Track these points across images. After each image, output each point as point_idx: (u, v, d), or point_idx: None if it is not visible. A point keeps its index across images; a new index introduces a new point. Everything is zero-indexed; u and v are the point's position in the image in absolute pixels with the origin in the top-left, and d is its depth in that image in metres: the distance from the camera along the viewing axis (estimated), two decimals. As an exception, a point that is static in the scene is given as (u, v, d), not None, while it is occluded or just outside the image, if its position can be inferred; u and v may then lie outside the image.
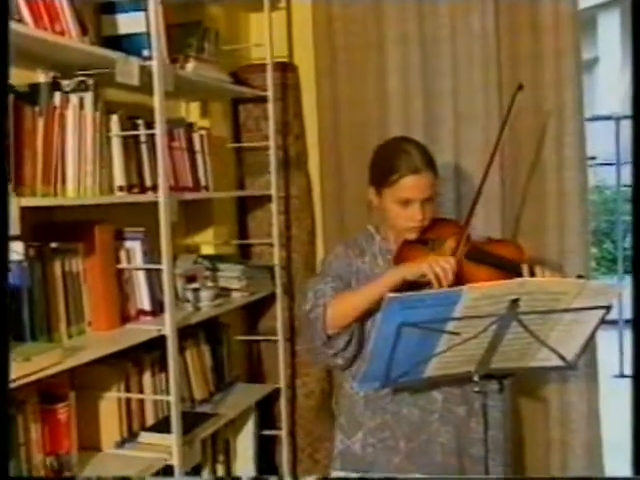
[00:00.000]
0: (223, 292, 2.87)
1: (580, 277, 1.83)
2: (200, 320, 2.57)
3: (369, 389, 1.92)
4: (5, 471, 1.48)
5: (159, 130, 2.23)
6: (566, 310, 1.70)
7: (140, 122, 2.38)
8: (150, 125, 2.32)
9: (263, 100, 3.06)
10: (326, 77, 3.15)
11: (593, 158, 5.85)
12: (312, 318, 2.01)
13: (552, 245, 2.87)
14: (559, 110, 2.85)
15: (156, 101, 2.21)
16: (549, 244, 2.88)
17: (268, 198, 3.09)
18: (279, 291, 3.08)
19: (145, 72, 2.19)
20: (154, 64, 2.20)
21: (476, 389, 1.81)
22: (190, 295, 2.66)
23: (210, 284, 2.80)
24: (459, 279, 1.92)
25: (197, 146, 2.77)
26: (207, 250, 3.16)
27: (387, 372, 1.70)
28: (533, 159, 2.90)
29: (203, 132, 2.82)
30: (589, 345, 1.82)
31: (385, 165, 2.04)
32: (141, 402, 2.37)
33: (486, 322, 1.66)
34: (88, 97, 2.08)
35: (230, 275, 2.94)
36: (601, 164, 7.42)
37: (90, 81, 2.09)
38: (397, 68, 3.00)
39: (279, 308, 3.08)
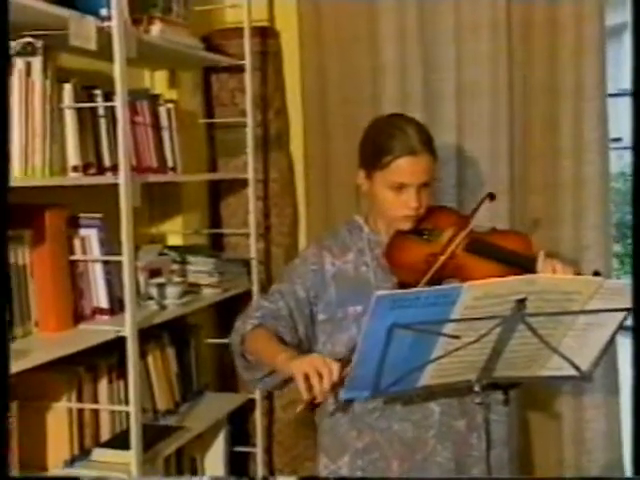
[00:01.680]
0: (192, 288, 2.88)
1: (596, 274, 1.84)
2: (165, 320, 2.57)
3: (357, 399, 1.93)
4: (5, 471, 1.55)
5: (120, 102, 2.23)
6: (580, 312, 1.70)
7: (97, 93, 2.37)
8: (109, 96, 2.32)
9: (239, 70, 3.06)
10: (311, 45, 3.16)
11: (618, 140, 5.85)
12: (232, 341, 2.07)
13: (567, 240, 2.91)
14: (578, 84, 2.87)
15: (116, 69, 2.20)
16: (564, 239, 2.91)
17: (244, 182, 3.09)
18: (256, 288, 3.09)
19: (103, 35, 2.18)
20: (113, 25, 2.20)
21: (477, 400, 1.82)
22: (154, 291, 2.67)
23: (177, 279, 2.81)
24: (459, 275, 1.94)
25: (163, 121, 2.77)
26: (174, 240, 3.16)
27: (377, 380, 1.70)
28: (546, 141, 2.92)
29: (170, 105, 2.82)
30: (607, 353, 1.83)
31: (377, 145, 2.05)
32: (95, 414, 2.37)
33: (489, 324, 1.66)
34: (36, 62, 2.08)
35: (200, 269, 2.94)
36: (628, 147, 7.41)
37: (39, 44, 2.09)
38: (392, 35, 3.01)
39: (255, 307, 3.08)
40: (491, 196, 2.06)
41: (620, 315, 1.74)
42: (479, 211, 2.04)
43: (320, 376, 1.74)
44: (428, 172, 2.03)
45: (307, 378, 1.74)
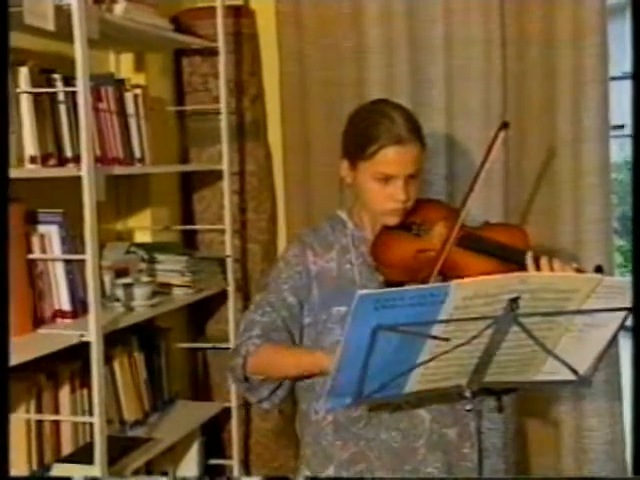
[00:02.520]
0: (162, 289, 2.88)
1: (599, 269, 1.86)
2: (133, 323, 2.57)
3: (338, 407, 1.93)
4: (5, 471, 1.60)
5: (81, 87, 2.22)
6: (578, 312, 1.71)
7: (57, 77, 2.36)
8: (69, 81, 2.31)
9: (212, 53, 3.06)
10: (290, 25, 3.16)
11: (620, 127, 5.87)
12: (231, 365, 2.07)
13: (566, 234, 2.92)
14: (577, 66, 2.88)
15: (77, 51, 2.20)
16: (562, 233, 2.92)
17: (218, 174, 3.09)
18: (232, 288, 3.09)
19: (62, 13, 2.18)
20: (72, 3, 2.19)
21: (468, 407, 1.82)
22: (120, 292, 2.66)
23: (146, 279, 2.81)
24: (449, 272, 1.94)
25: (130, 108, 2.76)
26: (143, 237, 3.16)
27: (360, 386, 1.70)
28: (543, 129, 2.93)
29: (137, 91, 2.81)
30: (607, 355, 1.84)
31: (362, 133, 2.05)
32: (56, 425, 2.37)
33: (480, 326, 1.66)
34: (-11, 43, 2.07)
35: (171, 268, 2.95)
36: (630, 135, 7.42)
37: (-9, 23, 2.08)
38: (377, 14, 3.01)
39: (231, 309, 3.09)
40: (505, 125, 2.04)
41: (621, 315, 1.74)
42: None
43: None
44: (416, 162, 2.03)
45: None
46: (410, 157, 2.01)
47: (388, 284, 2.02)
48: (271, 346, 2.02)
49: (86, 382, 2.39)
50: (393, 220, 2.06)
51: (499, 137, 2.03)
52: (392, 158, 2.00)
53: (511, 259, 1.95)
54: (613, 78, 2.95)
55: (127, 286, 2.68)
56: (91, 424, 2.31)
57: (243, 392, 2.12)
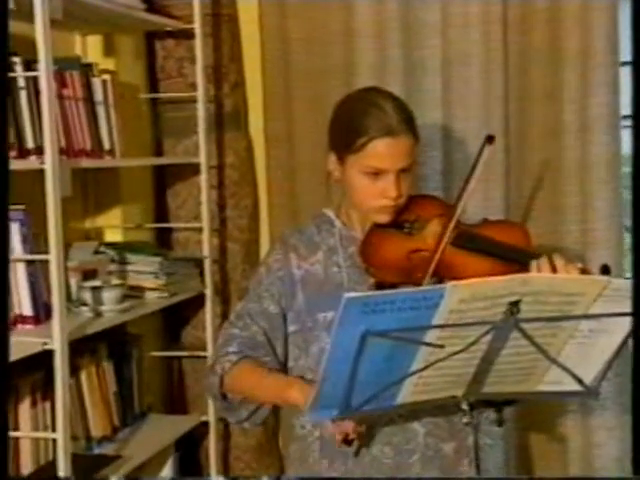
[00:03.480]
0: (134, 292, 2.89)
1: (605, 270, 1.87)
2: (101, 330, 2.57)
3: (323, 419, 1.94)
4: (5, 471, 1.65)
5: (44, 72, 2.21)
6: (583, 317, 1.72)
7: (16, 60, 2.36)
8: (31, 65, 2.31)
9: (188, 36, 3.06)
10: (273, 6, 3.16)
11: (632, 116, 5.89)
12: (207, 384, 2.10)
13: (572, 232, 2.94)
14: (584, 51, 2.89)
15: (38, 32, 2.19)
16: (568, 231, 2.94)
17: (195, 168, 3.10)
18: (209, 292, 3.10)
19: (22, -9, 2.18)
20: (34, -21, 2.19)
21: (465, 420, 1.82)
22: (88, 296, 2.66)
23: (116, 281, 2.80)
24: (444, 273, 1.95)
25: (98, 95, 2.76)
26: (113, 237, 3.16)
27: (347, 397, 1.71)
28: (547, 119, 2.95)
29: (106, 77, 2.81)
30: (616, 364, 1.83)
31: (350, 124, 2.06)
32: (16, 442, 2.37)
33: (477, 331, 1.67)
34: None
35: (143, 270, 2.95)
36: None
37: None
38: (368, -6, 3.01)
39: (209, 314, 3.09)
40: (490, 138, 2.04)
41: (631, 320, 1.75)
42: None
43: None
44: (409, 155, 2.04)
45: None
46: (402, 150, 2.02)
47: (379, 287, 2.03)
48: (248, 366, 2.04)
49: (49, 395, 2.38)
50: (384, 218, 2.07)
51: (484, 153, 2.04)
52: (382, 151, 2.01)
53: (511, 259, 1.96)
54: (624, 63, 2.94)
55: (95, 289, 2.68)
56: (54, 441, 2.30)
57: (222, 412, 2.15)
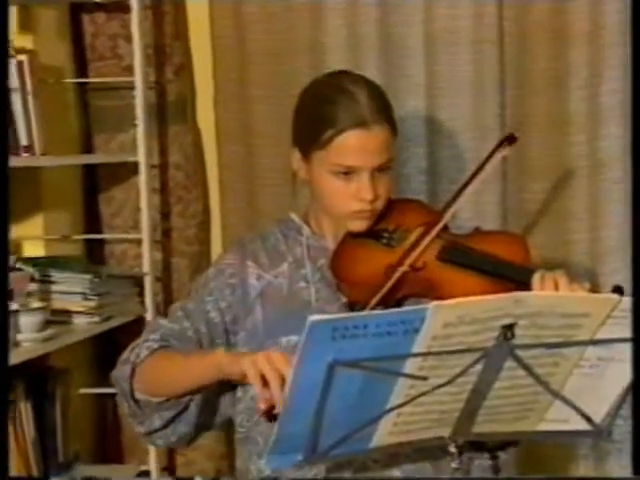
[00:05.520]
0: (58, 317, 2.88)
1: (617, 290, 1.88)
2: (19, 362, 2.56)
3: (285, 466, 1.95)
4: (5, 471, 1.72)
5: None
6: (590, 342, 1.74)
7: None
8: None
9: (123, 9, 3.07)
10: (225, -27, 3.17)
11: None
12: (116, 376, 2.09)
13: (580, 242, 2.97)
14: (594, 32, 2.93)
15: None
16: (576, 241, 2.98)
17: (133, 168, 3.10)
18: (150, 315, 3.10)
19: None
20: None
21: (454, 465, 1.83)
22: (3, 322, 2.66)
23: (37, 304, 2.79)
24: (428, 292, 1.98)
25: (13, 80, 2.76)
26: (33, 250, 3.15)
27: (314, 439, 1.72)
28: (550, 108, 2.98)
29: (23, 57, 2.81)
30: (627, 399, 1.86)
31: (316, 115, 2.09)
32: None
33: (465, 360, 1.68)
34: None
35: (70, 290, 2.95)
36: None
37: None
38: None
39: (150, 343, 3.09)
40: (510, 139, 2.08)
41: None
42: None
43: (283, 379, 1.77)
44: (385, 151, 2.07)
45: (265, 381, 1.78)
46: (377, 144, 2.05)
47: (352, 307, 2.05)
48: (167, 353, 2.04)
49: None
50: (359, 226, 2.10)
51: (499, 153, 2.08)
52: (354, 146, 2.04)
53: (507, 276, 1.99)
54: (640, 43, 3.00)
55: (12, 314, 2.67)
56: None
57: (128, 416, 2.12)
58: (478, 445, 1.93)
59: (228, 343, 2.11)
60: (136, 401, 2.06)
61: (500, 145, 2.09)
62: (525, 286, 1.93)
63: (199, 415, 2.08)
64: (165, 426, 2.07)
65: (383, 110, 2.07)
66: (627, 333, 1.73)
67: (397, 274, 2.02)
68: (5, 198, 1.69)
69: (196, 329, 2.09)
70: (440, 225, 2.06)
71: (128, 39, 3.09)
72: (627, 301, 1.73)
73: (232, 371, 1.88)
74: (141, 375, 2.03)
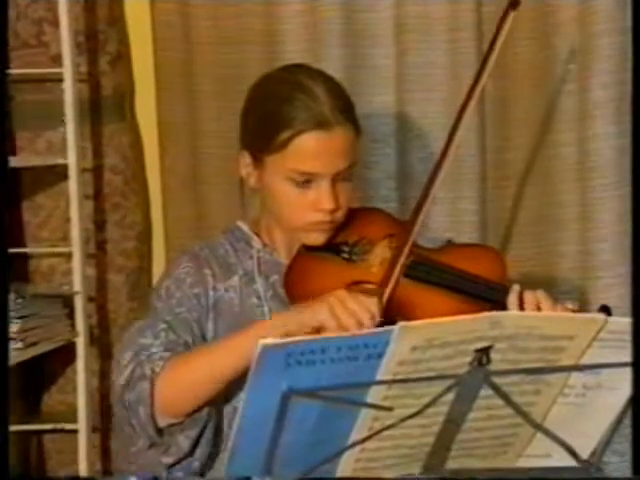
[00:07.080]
0: (-24, 343, 2.90)
1: (604, 310, 1.94)
2: None
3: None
4: (5, 471, 1.88)
5: None
6: (573, 368, 1.76)
7: None
8: None
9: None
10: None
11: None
12: (130, 400, 2.05)
13: (569, 255, 3.01)
14: (583, 18, 2.97)
15: None
16: (563, 253, 3.01)
17: (62, 172, 3.11)
18: (82, 340, 3.10)
19: None
20: None
21: (426, 504, 1.87)
22: None
23: (-50, 329, 2.82)
24: (394, 313, 2.01)
25: None
26: (-54, 266, 3.16)
27: (267, 476, 1.75)
28: (535, 103, 3.02)
29: None
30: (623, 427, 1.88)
31: (268, 114, 2.12)
32: None
33: (436, 388, 1.70)
34: None
35: (-11, 312, 2.96)
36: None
37: None
38: None
39: (81, 371, 3.10)
40: (513, 4, 2.12)
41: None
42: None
43: (360, 324, 1.87)
44: (348, 155, 2.11)
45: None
46: (339, 147, 2.09)
47: (310, 328, 2.09)
48: (185, 355, 2.03)
49: None
50: (316, 239, 2.13)
51: (507, 19, 2.11)
52: (313, 149, 2.07)
53: (481, 295, 2.04)
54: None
55: None
56: None
57: (148, 450, 2.10)
58: (453, 483, 1.96)
59: None
60: (157, 427, 2.05)
61: (505, 15, 2.13)
62: (502, 306, 1.97)
63: (216, 433, 2.11)
64: (194, 447, 2.09)
65: (345, 108, 2.11)
66: (616, 357, 1.75)
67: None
68: (5, 201, 1.72)
69: (185, 341, 2.10)
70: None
71: (55, 24, 3.08)
72: (615, 322, 1.75)
73: (307, 322, 1.94)
74: (164, 388, 2.01)
